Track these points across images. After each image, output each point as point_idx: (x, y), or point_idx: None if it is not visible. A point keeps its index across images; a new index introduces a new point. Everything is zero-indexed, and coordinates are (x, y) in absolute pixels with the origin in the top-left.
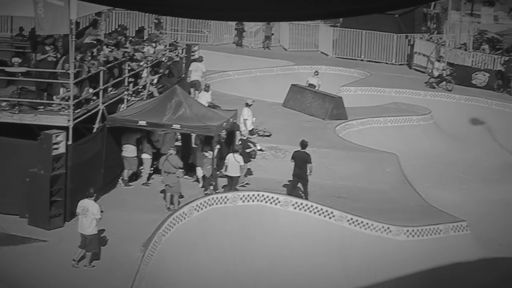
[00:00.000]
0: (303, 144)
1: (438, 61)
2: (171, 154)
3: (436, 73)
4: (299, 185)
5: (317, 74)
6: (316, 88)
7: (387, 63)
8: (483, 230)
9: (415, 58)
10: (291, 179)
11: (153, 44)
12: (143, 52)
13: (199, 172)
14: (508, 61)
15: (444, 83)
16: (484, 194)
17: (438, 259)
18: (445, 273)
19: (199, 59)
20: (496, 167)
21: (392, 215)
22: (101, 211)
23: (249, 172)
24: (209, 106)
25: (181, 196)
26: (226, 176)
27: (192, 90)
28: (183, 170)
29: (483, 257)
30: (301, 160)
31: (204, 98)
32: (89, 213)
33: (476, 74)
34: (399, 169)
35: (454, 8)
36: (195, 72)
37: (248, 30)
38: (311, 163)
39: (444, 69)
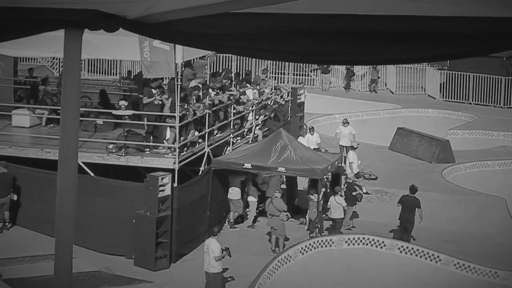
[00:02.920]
0: (413, 189)
1: None
2: (275, 197)
3: None
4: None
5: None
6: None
7: (495, 106)
8: None
9: None
10: (398, 224)
11: (259, 87)
12: (248, 95)
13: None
14: None
15: None
16: None
17: None
18: None
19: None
20: None
21: (500, 259)
22: (224, 250)
23: (354, 215)
24: (314, 149)
25: (287, 239)
26: (330, 219)
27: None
28: (287, 213)
29: None
30: (410, 205)
31: (308, 140)
32: (210, 251)
33: None
34: (507, 213)
35: None
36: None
37: (356, 73)
38: (421, 207)
39: None
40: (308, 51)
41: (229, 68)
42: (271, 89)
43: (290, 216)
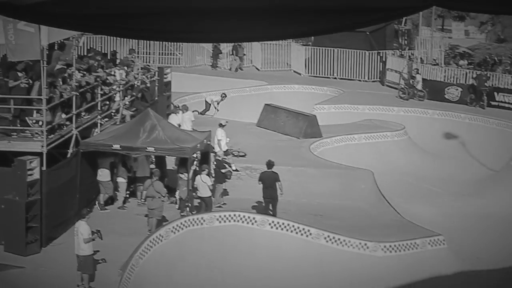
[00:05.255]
0: (270, 164)
1: (419, 73)
2: (156, 180)
3: (420, 86)
4: (270, 206)
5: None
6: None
7: (359, 80)
8: (460, 244)
9: (388, 74)
10: (261, 200)
11: (126, 68)
12: (115, 76)
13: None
14: (480, 75)
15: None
16: (460, 208)
17: (416, 273)
18: (424, 287)
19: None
20: (470, 181)
21: (369, 231)
22: (95, 232)
23: (225, 193)
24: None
25: (164, 220)
26: (199, 197)
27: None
28: (165, 196)
29: (461, 270)
30: (270, 180)
31: (174, 120)
32: (79, 233)
33: (448, 89)
34: (374, 186)
35: (425, 24)
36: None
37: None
38: (280, 181)
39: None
40: (176, 30)
41: (96, 49)
42: (138, 69)
43: (169, 198)
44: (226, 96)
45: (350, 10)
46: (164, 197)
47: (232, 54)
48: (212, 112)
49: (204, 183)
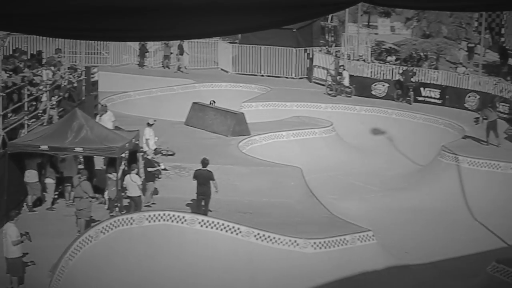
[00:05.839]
0: (204, 163)
1: (345, 70)
2: (84, 180)
3: (347, 82)
4: (202, 202)
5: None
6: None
7: (287, 77)
8: (389, 239)
9: (315, 71)
10: (194, 198)
11: (52, 68)
12: (42, 76)
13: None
14: (406, 70)
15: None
16: (389, 203)
17: (346, 269)
18: (354, 283)
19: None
20: (399, 176)
21: (299, 228)
22: (24, 234)
23: (155, 192)
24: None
25: (94, 221)
26: (128, 197)
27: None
28: (94, 198)
29: (391, 265)
30: (204, 178)
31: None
32: (7, 236)
33: (375, 85)
34: (303, 182)
35: (351, 20)
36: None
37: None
38: (214, 179)
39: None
40: (106, 28)
41: (22, 48)
42: (65, 69)
43: (98, 198)
44: (215, 102)
45: (287, 5)
46: (93, 198)
47: (178, 54)
48: None
49: (133, 182)
